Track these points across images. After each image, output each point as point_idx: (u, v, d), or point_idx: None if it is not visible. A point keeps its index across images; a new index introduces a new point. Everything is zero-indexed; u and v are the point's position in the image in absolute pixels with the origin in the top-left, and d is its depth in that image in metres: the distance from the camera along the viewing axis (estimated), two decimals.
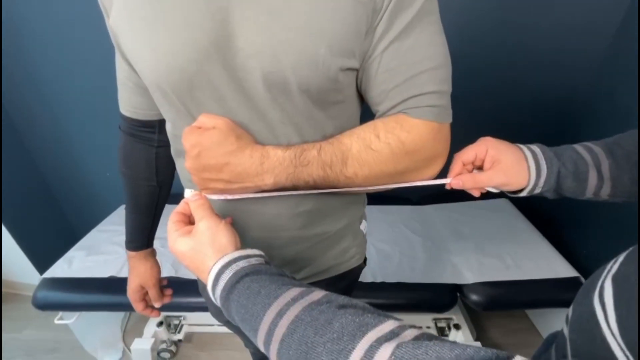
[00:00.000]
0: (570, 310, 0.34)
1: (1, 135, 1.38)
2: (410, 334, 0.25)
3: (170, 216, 0.42)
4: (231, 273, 0.34)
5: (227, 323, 0.71)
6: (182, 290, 1.09)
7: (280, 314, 0.29)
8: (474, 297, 1.12)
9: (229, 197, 0.45)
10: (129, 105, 0.54)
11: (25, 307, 1.45)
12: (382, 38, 0.38)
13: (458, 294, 1.16)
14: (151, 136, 0.57)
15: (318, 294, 0.31)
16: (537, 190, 0.44)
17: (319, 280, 0.59)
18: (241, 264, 0.35)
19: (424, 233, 1.39)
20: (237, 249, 0.38)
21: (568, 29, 1.25)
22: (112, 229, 1.42)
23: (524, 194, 0.45)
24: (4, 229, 1.41)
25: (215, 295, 0.36)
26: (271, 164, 0.40)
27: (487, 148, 0.44)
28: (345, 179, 0.42)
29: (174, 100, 0.43)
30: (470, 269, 1.19)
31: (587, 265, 1.24)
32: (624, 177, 0.41)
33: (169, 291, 0.73)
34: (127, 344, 1.42)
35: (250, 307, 0.31)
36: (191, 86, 0.40)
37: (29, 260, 1.49)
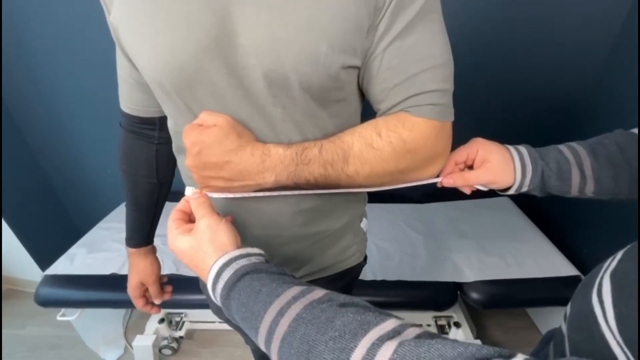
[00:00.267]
0: (568, 308, 0.34)
1: (1, 133, 1.38)
2: (411, 332, 0.25)
3: (171, 214, 0.42)
4: (232, 271, 0.34)
5: (227, 321, 0.71)
6: (183, 288, 1.09)
7: (281, 313, 0.29)
8: (475, 295, 1.12)
9: (230, 195, 0.45)
10: (129, 102, 0.54)
11: (27, 303, 1.46)
12: (384, 36, 0.38)
13: (458, 292, 1.16)
14: (151, 133, 0.57)
15: (319, 292, 0.31)
16: (524, 189, 0.46)
17: (320, 278, 0.59)
18: (242, 262, 0.35)
19: (425, 231, 1.39)
20: (237, 247, 0.38)
21: (570, 26, 1.24)
22: (114, 226, 1.43)
23: (511, 192, 0.47)
24: (6, 226, 1.42)
25: (216, 294, 0.36)
26: (272, 162, 0.40)
27: (477, 148, 0.47)
28: (346, 177, 0.42)
29: (175, 97, 0.43)
30: (471, 267, 1.19)
31: (588, 264, 1.24)
32: (606, 175, 0.43)
33: (169, 288, 0.74)
34: (128, 341, 1.42)
35: (251, 305, 0.31)
36: (192, 83, 0.40)
37: (31, 257, 1.50)
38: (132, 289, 0.69)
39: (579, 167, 0.44)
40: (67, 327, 1.26)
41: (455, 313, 1.30)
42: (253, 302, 0.31)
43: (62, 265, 1.23)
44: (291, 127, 0.43)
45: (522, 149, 0.47)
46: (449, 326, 1.28)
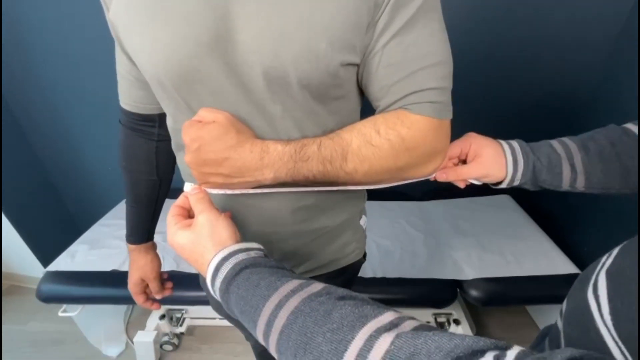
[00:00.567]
0: (564, 304, 0.35)
1: (2, 130, 1.39)
2: (409, 325, 0.25)
3: (170, 209, 0.42)
4: (230, 265, 0.35)
5: (228, 317, 0.72)
6: (184, 284, 1.10)
7: (279, 306, 0.30)
8: (474, 292, 1.12)
9: (229, 191, 0.45)
10: (129, 99, 0.54)
11: (30, 299, 1.47)
12: (383, 33, 0.38)
13: (458, 290, 1.16)
14: (151, 130, 0.58)
15: (317, 286, 0.31)
16: (516, 182, 0.47)
17: (319, 275, 0.60)
18: (240, 256, 0.35)
19: (425, 229, 1.39)
20: (236, 242, 0.38)
21: (572, 23, 1.23)
22: (114, 223, 1.43)
23: (503, 185, 0.48)
24: (8, 223, 1.43)
25: (215, 288, 0.36)
26: (271, 159, 0.40)
27: (470, 143, 0.48)
28: (345, 174, 0.42)
29: (174, 94, 0.43)
30: (470, 264, 1.19)
31: (588, 262, 1.21)
32: (597, 169, 0.44)
33: (169, 284, 0.74)
34: (130, 336, 1.43)
35: (250, 299, 0.32)
36: (191, 80, 0.40)
37: (32, 254, 1.51)
38: (133, 285, 0.69)
39: (569, 162, 0.45)
40: (68, 323, 1.27)
41: (455, 310, 1.30)
42: (252, 295, 0.32)
43: (64, 262, 1.24)
44: (290, 124, 0.43)
45: (514, 143, 0.48)
46: (449, 323, 1.29)
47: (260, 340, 0.31)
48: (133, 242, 0.66)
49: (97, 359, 1.38)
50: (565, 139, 0.47)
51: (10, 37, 1.30)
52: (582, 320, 0.29)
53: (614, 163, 0.43)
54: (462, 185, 0.50)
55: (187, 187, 0.47)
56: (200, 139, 0.40)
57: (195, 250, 0.38)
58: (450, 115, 0.42)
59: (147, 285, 0.71)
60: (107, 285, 1.16)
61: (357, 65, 0.41)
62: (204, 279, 0.38)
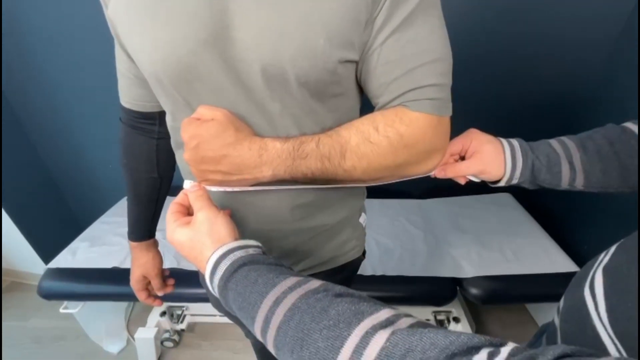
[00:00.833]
0: (561, 301, 0.35)
1: (2, 128, 1.39)
2: (405, 322, 0.25)
3: (169, 207, 0.42)
4: (229, 262, 0.35)
5: (227, 313, 0.72)
6: (184, 281, 1.09)
7: (277, 302, 0.30)
8: (474, 290, 1.12)
9: (228, 189, 0.45)
10: (128, 96, 0.54)
11: (31, 296, 1.47)
12: (382, 29, 0.38)
13: (458, 288, 1.16)
14: (152, 128, 0.58)
15: (315, 283, 0.31)
16: (515, 181, 0.47)
17: (318, 272, 0.60)
18: (239, 253, 0.36)
19: (425, 227, 1.39)
20: (235, 239, 0.38)
21: (573, 23, 1.23)
22: (115, 220, 1.43)
23: (502, 183, 0.48)
24: (10, 220, 1.43)
25: (213, 285, 0.36)
26: (269, 156, 0.40)
27: (472, 139, 0.48)
28: (343, 171, 0.42)
29: (173, 92, 0.43)
30: (470, 262, 1.19)
31: (588, 261, 1.23)
32: (596, 168, 0.44)
33: (171, 281, 0.74)
34: (131, 333, 1.44)
35: (248, 295, 0.32)
36: (190, 78, 0.40)
37: (34, 251, 1.52)
38: (135, 282, 0.70)
39: (568, 161, 0.45)
40: (70, 319, 1.27)
41: (455, 308, 1.30)
42: (250, 292, 0.32)
43: (65, 259, 1.24)
44: (289, 122, 0.43)
45: (514, 141, 0.48)
46: (448, 321, 1.29)
47: (258, 336, 0.32)
48: (135, 239, 0.67)
49: (98, 355, 1.39)
50: (564, 138, 0.47)
51: (12, 35, 1.30)
52: (578, 317, 0.29)
53: (613, 162, 0.43)
54: (462, 182, 0.51)
55: (187, 184, 0.47)
56: (198, 137, 0.40)
57: (194, 247, 0.38)
58: (449, 113, 0.42)
59: (149, 282, 0.71)
60: (108, 282, 1.17)
61: (356, 63, 0.41)
62: (204, 276, 0.38)
